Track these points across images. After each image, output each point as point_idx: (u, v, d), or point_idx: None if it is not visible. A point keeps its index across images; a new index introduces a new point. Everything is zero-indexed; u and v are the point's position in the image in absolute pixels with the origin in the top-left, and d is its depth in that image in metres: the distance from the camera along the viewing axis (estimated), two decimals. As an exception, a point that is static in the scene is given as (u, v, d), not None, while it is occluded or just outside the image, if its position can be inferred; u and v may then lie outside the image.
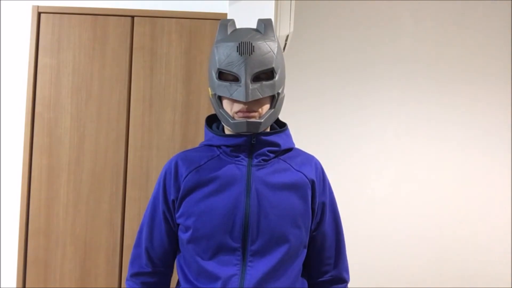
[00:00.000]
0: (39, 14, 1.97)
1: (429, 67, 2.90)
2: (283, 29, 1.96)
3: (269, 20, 1.10)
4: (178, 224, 1.11)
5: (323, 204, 1.13)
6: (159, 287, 1.14)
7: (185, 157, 1.13)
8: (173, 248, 1.14)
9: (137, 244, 1.15)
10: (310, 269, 1.16)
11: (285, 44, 2.23)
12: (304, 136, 2.77)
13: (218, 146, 1.11)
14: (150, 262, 1.13)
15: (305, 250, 1.12)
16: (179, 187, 1.09)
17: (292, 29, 2.00)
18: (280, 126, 1.19)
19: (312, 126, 2.87)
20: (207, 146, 1.14)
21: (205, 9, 2.00)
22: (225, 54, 1.03)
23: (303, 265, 1.13)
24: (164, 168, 1.14)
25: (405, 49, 2.91)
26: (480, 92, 2.90)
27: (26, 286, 1.91)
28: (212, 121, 1.20)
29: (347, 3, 2.91)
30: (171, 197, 1.10)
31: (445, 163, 2.87)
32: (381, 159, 2.86)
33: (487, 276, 2.83)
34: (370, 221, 2.74)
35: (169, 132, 1.95)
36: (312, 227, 1.12)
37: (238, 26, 1.14)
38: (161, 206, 1.12)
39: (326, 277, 1.15)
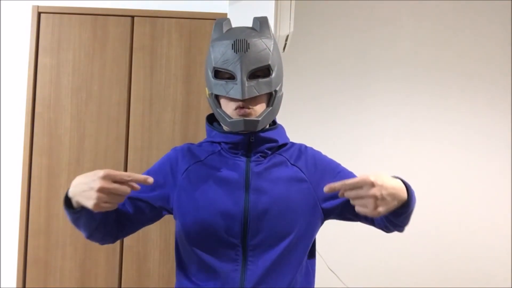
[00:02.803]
0: (39, 14, 1.97)
1: (429, 68, 2.90)
2: (283, 29, 1.96)
3: (264, 18, 1.09)
4: (176, 220, 1.11)
5: (328, 180, 1.10)
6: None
7: (188, 150, 1.13)
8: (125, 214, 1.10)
9: None
10: (361, 216, 1.07)
11: (285, 44, 2.23)
12: (304, 136, 2.76)
13: (219, 143, 1.12)
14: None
15: (308, 246, 1.11)
16: (176, 181, 1.09)
17: (292, 29, 2.00)
18: (272, 123, 1.19)
19: (312, 127, 2.87)
20: (210, 142, 1.14)
21: (205, 9, 2.00)
22: (221, 52, 1.03)
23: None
24: (167, 156, 1.14)
25: (405, 50, 2.90)
26: (480, 92, 2.90)
27: (26, 286, 1.91)
28: (213, 120, 1.20)
29: (347, 3, 2.91)
30: (162, 189, 1.09)
31: (445, 163, 2.87)
32: (381, 160, 2.86)
33: (487, 276, 2.83)
34: (370, 221, 2.74)
35: (169, 132, 1.95)
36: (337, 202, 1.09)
37: (238, 26, 1.14)
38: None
39: None
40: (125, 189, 0.90)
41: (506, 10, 2.91)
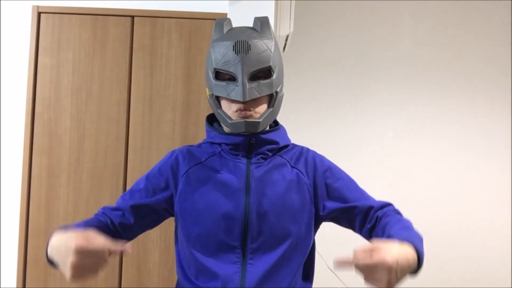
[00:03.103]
0: (39, 14, 1.97)
1: (429, 68, 2.90)
2: (283, 29, 1.96)
3: (265, 18, 1.09)
4: (177, 221, 1.11)
5: (326, 185, 1.11)
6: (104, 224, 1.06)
7: (188, 152, 1.12)
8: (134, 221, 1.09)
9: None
10: (356, 224, 1.10)
11: (285, 44, 2.23)
12: (303, 137, 2.76)
13: (219, 144, 1.11)
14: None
15: (308, 248, 1.11)
16: (177, 183, 1.08)
17: (292, 29, 2.00)
18: (274, 124, 1.18)
19: (312, 127, 2.87)
20: (209, 143, 1.14)
21: (205, 9, 2.00)
22: (221, 54, 1.02)
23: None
24: (165, 158, 1.13)
25: (405, 50, 2.91)
26: (480, 92, 2.90)
27: (26, 286, 1.91)
28: (213, 120, 1.19)
29: (347, 3, 2.91)
30: (163, 192, 1.09)
31: (445, 163, 2.87)
32: (381, 160, 2.86)
33: (487, 276, 2.83)
34: (370, 221, 2.74)
35: (169, 132, 1.95)
36: (335, 206, 1.09)
37: (239, 26, 1.13)
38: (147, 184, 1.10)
39: (371, 215, 1.08)
40: (100, 262, 0.83)
41: (506, 10, 2.91)
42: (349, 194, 1.11)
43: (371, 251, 0.84)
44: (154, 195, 1.09)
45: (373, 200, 1.11)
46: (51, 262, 0.92)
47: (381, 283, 0.84)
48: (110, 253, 0.83)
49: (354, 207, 1.09)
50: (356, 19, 2.91)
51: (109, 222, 1.06)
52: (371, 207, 1.09)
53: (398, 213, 1.10)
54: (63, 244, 0.83)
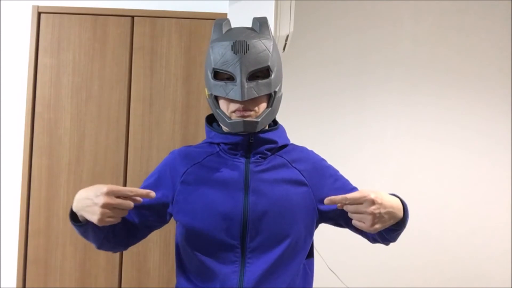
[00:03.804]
0: (39, 14, 1.97)
1: (429, 68, 2.90)
2: (283, 29, 1.95)
3: (264, 19, 1.09)
4: (177, 221, 1.12)
5: (325, 185, 1.12)
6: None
7: (186, 152, 1.13)
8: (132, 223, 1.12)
9: None
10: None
11: (285, 44, 2.23)
12: (304, 137, 2.77)
13: (218, 144, 1.11)
14: None
15: (307, 248, 1.11)
16: (175, 184, 1.09)
17: (292, 29, 2.00)
18: (273, 124, 1.19)
19: (312, 127, 2.87)
20: (208, 143, 1.14)
21: (205, 9, 2.00)
22: (220, 54, 1.03)
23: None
24: (165, 160, 1.15)
25: (405, 50, 2.91)
26: (479, 93, 2.90)
27: (26, 286, 1.91)
28: (212, 120, 1.20)
29: (348, 3, 2.91)
30: (163, 192, 1.10)
31: (445, 163, 2.87)
32: (381, 160, 2.86)
33: (487, 276, 2.83)
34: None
35: (169, 132, 1.95)
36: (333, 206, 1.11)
37: (238, 26, 1.14)
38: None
39: None
40: (128, 204, 0.93)
41: (506, 10, 2.91)
42: (347, 193, 1.12)
43: (359, 191, 0.95)
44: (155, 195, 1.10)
45: None
46: (74, 220, 0.99)
47: (366, 220, 0.93)
48: (136, 198, 0.94)
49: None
50: (356, 19, 2.91)
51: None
52: None
53: None
54: (93, 191, 0.92)
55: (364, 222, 0.93)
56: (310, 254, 1.15)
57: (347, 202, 0.93)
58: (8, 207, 2.03)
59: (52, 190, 1.94)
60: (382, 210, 0.92)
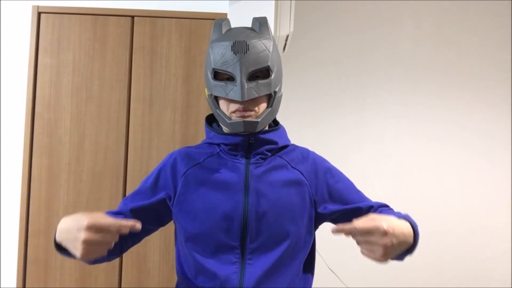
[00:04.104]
0: (39, 14, 1.97)
1: (429, 68, 2.90)
2: (283, 29, 1.95)
3: (264, 19, 1.09)
4: (176, 222, 1.11)
5: (327, 186, 1.11)
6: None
7: (186, 153, 1.13)
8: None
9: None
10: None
11: (285, 44, 2.23)
12: (304, 137, 2.77)
13: (218, 144, 1.11)
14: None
15: (307, 248, 1.11)
16: (176, 185, 1.09)
17: (292, 29, 2.00)
18: (274, 124, 1.18)
19: (312, 127, 2.87)
20: (208, 143, 1.14)
21: (205, 9, 2.00)
22: (220, 54, 1.02)
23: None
24: (164, 161, 1.14)
25: (405, 50, 2.91)
26: (480, 92, 2.90)
27: (26, 286, 1.91)
28: (212, 120, 1.20)
29: (348, 3, 2.91)
30: (162, 193, 1.10)
31: (445, 164, 2.87)
32: (381, 160, 2.86)
33: (487, 276, 2.83)
34: (370, 221, 2.73)
35: (169, 132, 1.95)
36: (334, 208, 1.10)
37: (238, 26, 1.13)
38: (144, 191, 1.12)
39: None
40: (111, 238, 0.86)
41: (506, 10, 2.91)
42: (350, 195, 1.13)
43: (369, 220, 0.88)
44: (153, 196, 1.10)
45: (372, 201, 1.14)
46: (59, 248, 0.94)
47: (377, 251, 0.86)
48: (120, 231, 0.86)
49: (358, 208, 1.11)
50: (356, 19, 2.91)
51: None
52: (371, 207, 1.12)
53: (394, 211, 1.13)
54: (74, 224, 0.86)
55: (373, 252, 0.87)
56: (311, 255, 1.15)
57: (357, 232, 0.86)
58: (8, 207, 2.03)
59: (52, 190, 1.94)
60: (394, 241, 0.86)
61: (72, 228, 0.86)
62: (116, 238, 0.88)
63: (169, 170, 1.11)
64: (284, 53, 2.40)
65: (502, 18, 2.91)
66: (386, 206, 1.14)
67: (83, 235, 0.83)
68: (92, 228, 0.83)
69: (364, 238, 0.87)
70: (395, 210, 1.14)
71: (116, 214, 1.10)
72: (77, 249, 0.85)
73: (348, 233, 0.86)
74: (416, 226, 0.97)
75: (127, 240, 1.10)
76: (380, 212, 1.11)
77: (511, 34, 2.91)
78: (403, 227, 0.91)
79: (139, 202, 1.10)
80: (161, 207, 1.11)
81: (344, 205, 1.11)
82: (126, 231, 0.86)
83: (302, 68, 2.89)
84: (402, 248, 0.92)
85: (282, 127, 1.17)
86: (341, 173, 1.17)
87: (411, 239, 0.93)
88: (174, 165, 1.11)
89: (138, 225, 0.86)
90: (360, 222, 0.86)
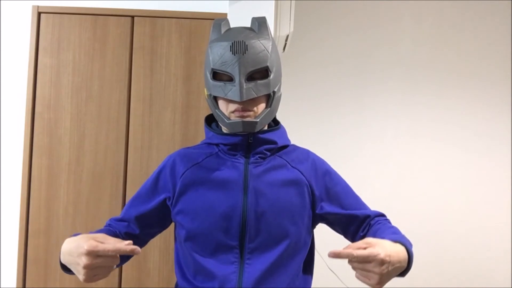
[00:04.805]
0: (39, 14, 1.97)
1: (429, 68, 2.90)
2: (283, 29, 1.95)
3: (263, 19, 1.09)
4: (175, 222, 1.11)
5: (326, 188, 1.11)
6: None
7: (184, 154, 1.13)
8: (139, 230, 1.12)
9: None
10: (349, 231, 1.12)
11: (285, 44, 2.23)
12: (304, 137, 2.77)
13: (217, 144, 1.11)
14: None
15: (306, 248, 1.11)
16: (175, 185, 1.09)
17: (292, 29, 2.00)
18: (274, 124, 1.18)
19: (312, 127, 2.87)
20: (207, 144, 1.14)
21: (205, 9, 2.00)
22: (219, 54, 1.02)
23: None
24: (163, 163, 1.14)
25: (405, 50, 2.90)
26: (480, 93, 2.90)
27: (26, 286, 1.91)
28: (212, 121, 1.20)
29: (348, 3, 2.91)
30: (162, 195, 1.10)
31: (445, 164, 2.87)
32: (381, 160, 2.86)
33: (487, 276, 2.83)
34: (370, 221, 2.74)
35: (169, 132, 1.95)
36: (332, 209, 1.11)
37: (236, 26, 1.13)
38: (144, 193, 1.13)
39: (366, 223, 1.11)
40: (112, 262, 0.87)
41: (506, 10, 2.91)
42: (347, 200, 1.13)
43: (365, 245, 0.87)
44: (154, 199, 1.11)
45: (369, 209, 1.14)
46: (65, 269, 0.95)
47: (373, 279, 0.87)
48: (120, 253, 0.86)
49: (354, 216, 1.11)
50: (356, 19, 2.91)
51: (118, 232, 1.10)
52: (367, 216, 1.12)
53: (389, 222, 1.12)
54: (75, 248, 0.87)
55: (369, 279, 0.87)
56: (310, 254, 1.15)
57: (354, 259, 0.86)
58: (8, 207, 2.03)
59: (52, 190, 1.94)
60: (390, 268, 0.87)
61: (73, 253, 0.87)
62: (117, 261, 0.88)
63: (168, 171, 1.11)
64: (284, 53, 2.40)
65: (502, 18, 2.91)
66: (383, 215, 1.14)
67: (83, 260, 0.84)
68: (92, 253, 0.84)
69: (361, 266, 0.87)
70: (395, 210, 1.14)
71: (120, 221, 1.12)
72: (79, 273, 0.87)
73: (344, 258, 0.86)
74: (411, 248, 0.96)
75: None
76: (377, 223, 1.10)
77: (511, 34, 2.91)
78: (400, 254, 0.91)
79: (141, 207, 1.11)
80: (163, 209, 1.11)
81: (341, 208, 1.11)
82: (125, 253, 0.87)
83: (302, 68, 2.89)
84: (397, 273, 0.92)
85: (283, 127, 1.17)
86: (340, 176, 1.17)
87: (405, 262, 0.93)
88: (173, 166, 1.11)
89: (137, 250, 0.87)
90: (357, 250, 0.86)
